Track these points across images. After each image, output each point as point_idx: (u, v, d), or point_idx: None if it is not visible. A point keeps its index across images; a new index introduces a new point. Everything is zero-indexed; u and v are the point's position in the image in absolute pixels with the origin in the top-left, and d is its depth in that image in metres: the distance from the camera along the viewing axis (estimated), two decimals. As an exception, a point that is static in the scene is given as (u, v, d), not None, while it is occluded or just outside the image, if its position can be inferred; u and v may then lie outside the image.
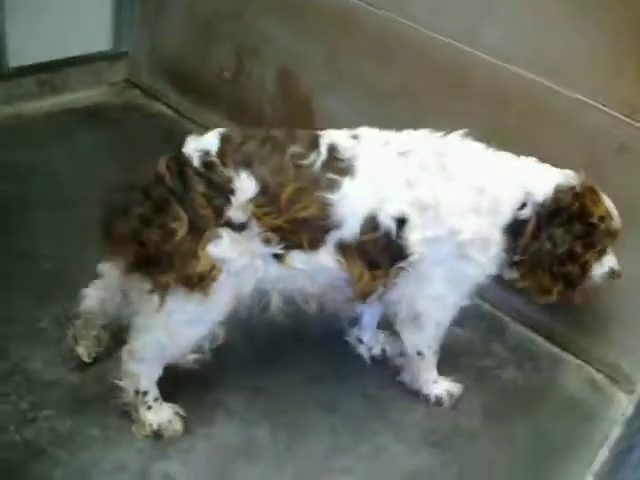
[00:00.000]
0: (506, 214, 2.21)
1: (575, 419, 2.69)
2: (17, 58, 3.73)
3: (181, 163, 2.01)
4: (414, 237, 2.12)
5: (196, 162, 1.99)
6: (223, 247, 2.00)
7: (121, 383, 2.26)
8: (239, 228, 2.01)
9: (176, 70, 4.09)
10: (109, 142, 3.68)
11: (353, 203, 2.05)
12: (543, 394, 2.76)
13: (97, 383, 2.43)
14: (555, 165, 2.32)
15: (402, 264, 2.18)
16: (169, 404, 2.34)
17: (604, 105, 2.58)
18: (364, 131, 2.18)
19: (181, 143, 2.07)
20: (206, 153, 2.01)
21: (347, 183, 2.04)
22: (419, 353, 2.51)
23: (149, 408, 2.28)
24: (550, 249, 2.22)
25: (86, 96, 4.07)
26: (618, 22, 2.49)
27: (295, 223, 2.04)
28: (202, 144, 2.03)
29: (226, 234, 1.99)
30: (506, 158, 2.29)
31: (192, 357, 2.32)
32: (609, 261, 2.36)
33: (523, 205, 2.21)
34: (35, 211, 3.15)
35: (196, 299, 2.04)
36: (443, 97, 2.93)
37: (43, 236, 3.02)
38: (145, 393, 2.27)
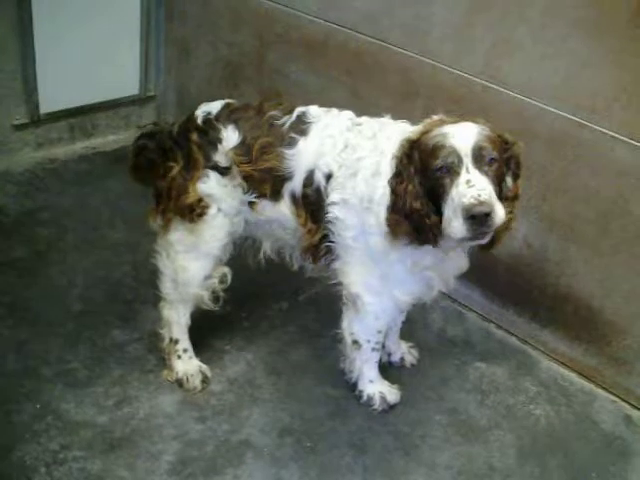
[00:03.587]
0: None
1: (611, 457, 2.63)
2: (48, 104, 3.84)
3: (188, 120, 2.48)
4: (333, 196, 2.32)
5: (199, 120, 2.44)
6: (210, 185, 2.40)
7: (161, 331, 2.67)
8: (223, 172, 2.40)
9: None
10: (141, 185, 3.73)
11: (301, 158, 2.35)
12: (577, 431, 2.71)
13: (125, 425, 2.45)
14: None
15: (325, 223, 2.36)
16: (199, 361, 2.68)
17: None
18: (342, 111, 2.45)
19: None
20: (208, 113, 2.45)
21: (302, 141, 2.36)
22: (355, 342, 2.53)
23: (178, 357, 2.66)
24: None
25: (116, 139, 4.18)
26: None
27: (261, 172, 2.38)
28: (208, 108, 2.47)
29: (213, 175, 2.40)
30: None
31: (208, 300, 2.57)
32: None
33: None
34: (68, 253, 3.22)
35: (190, 228, 2.44)
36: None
37: (75, 277, 3.08)
38: (176, 342, 2.66)
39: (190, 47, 4.10)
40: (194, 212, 2.41)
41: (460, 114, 2.19)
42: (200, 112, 2.46)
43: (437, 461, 2.50)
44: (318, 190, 2.34)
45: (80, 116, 4.05)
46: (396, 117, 2.39)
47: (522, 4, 2.73)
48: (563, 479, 2.51)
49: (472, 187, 1.97)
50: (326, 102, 3.40)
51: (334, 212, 2.32)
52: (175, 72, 4.23)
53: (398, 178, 2.14)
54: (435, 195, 2.08)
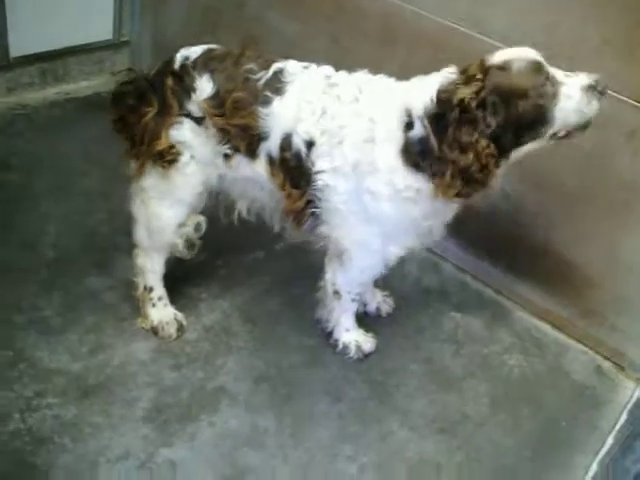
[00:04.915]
0: (398, 139, 2.18)
1: (581, 406, 2.68)
2: (19, 48, 3.71)
3: (166, 64, 2.39)
4: (320, 164, 2.26)
5: (176, 64, 2.35)
6: (182, 132, 2.34)
7: (135, 279, 2.64)
8: (197, 121, 2.33)
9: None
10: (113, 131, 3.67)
11: (277, 120, 2.27)
12: (549, 381, 2.75)
13: (100, 372, 2.44)
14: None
15: (312, 190, 2.31)
16: (174, 309, 2.66)
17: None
18: (320, 67, 2.36)
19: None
20: (186, 59, 2.35)
21: (277, 101, 2.27)
22: (336, 292, 2.55)
23: (153, 305, 2.63)
24: (443, 147, 2.10)
25: (89, 85, 4.07)
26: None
27: (236, 128, 2.31)
28: (187, 52, 2.38)
29: (186, 122, 2.33)
30: (402, 84, 2.27)
31: (182, 248, 2.55)
32: (574, 83, 2.10)
33: (410, 125, 2.16)
34: (40, 200, 3.15)
35: (162, 174, 2.39)
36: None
37: (47, 225, 3.02)
38: (151, 289, 2.63)
39: (166, -10, 3.98)
40: (165, 159, 2.35)
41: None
42: (179, 56, 2.37)
43: (411, 409, 2.53)
44: (298, 156, 2.28)
45: (52, 61, 3.92)
46: (376, 64, 2.35)
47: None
48: (534, 427, 2.55)
49: (575, 75, 2.11)
50: (305, 49, 3.34)
51: (324, 180, 2.26)
52: (151, 16, 4.10)
53: (462, 131, 2.05)
54: (528, 119, 2.08)
